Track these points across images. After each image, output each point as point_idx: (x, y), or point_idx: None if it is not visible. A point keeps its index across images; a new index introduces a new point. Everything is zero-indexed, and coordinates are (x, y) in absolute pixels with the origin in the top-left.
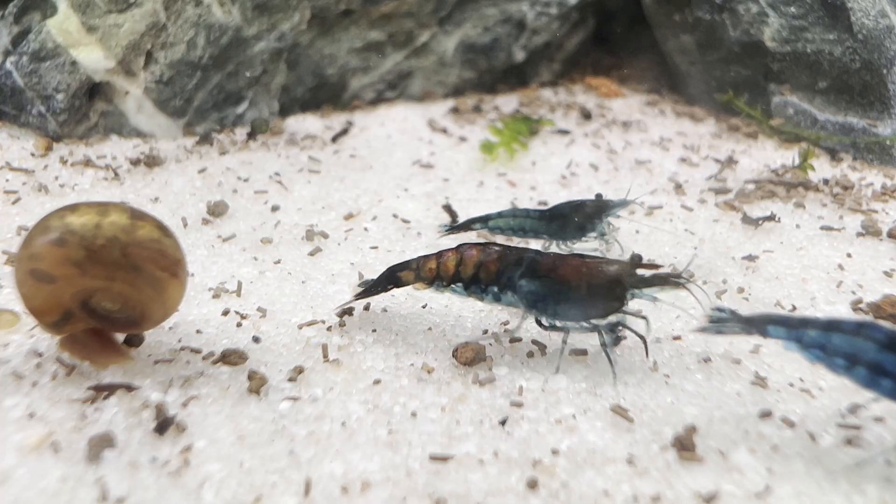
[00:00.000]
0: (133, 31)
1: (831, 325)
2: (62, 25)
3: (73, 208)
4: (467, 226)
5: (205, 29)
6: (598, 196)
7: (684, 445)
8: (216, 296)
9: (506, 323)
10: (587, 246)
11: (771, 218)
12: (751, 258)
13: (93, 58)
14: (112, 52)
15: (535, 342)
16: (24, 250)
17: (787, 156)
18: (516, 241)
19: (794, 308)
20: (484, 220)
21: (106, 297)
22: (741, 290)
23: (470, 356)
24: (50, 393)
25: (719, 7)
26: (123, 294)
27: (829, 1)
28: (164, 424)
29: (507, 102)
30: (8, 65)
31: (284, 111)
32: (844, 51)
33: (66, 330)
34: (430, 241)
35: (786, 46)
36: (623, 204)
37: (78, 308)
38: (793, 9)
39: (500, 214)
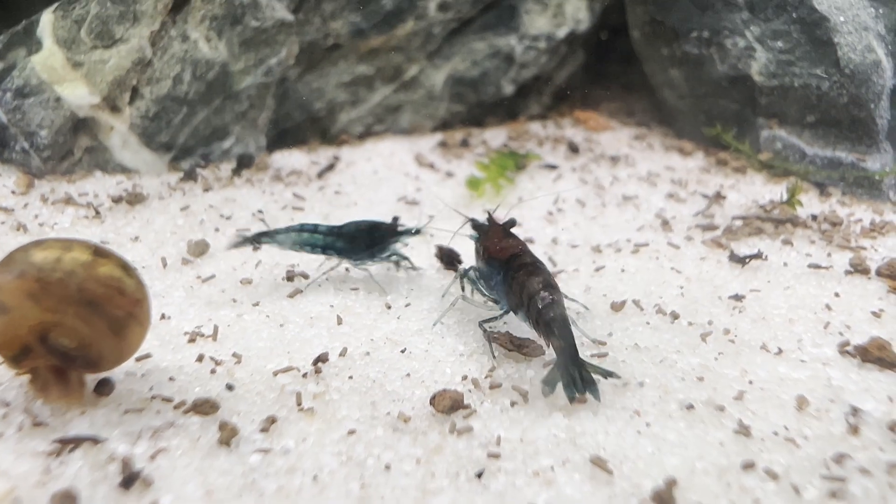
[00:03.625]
0: (119, 67)
1: None
2: (47, 62)
3: (39, 243)
4: (256, 239)
5: (191, 64)
6: (395, 219)
7: (663, 499)
8: (192, 340)
9: (492, 369)
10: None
11: (758, 256)
12: (737, 297)
13: (77, 94)
14: (97, 87)
15: (515, 388)
16: None
17: (776, 190)
18: (307, 258)
19: (780, 351)
20: (272, 235)
21: (63, 333)
22: (727, 331)
23: (448, 404)
24: (15, 445)
25: (707, 41)
26: (78, 330)
27: (815, 36)
28: (129, 479)
29: (496, 136)
30: None
31: (272, 146)
32: (832, 85)
33: (26, 365)
34: (410, 280)
35: (773, 81)
36: (415, 231)
37: (36, 343)
38: (780, 43)
39: (288, 229)
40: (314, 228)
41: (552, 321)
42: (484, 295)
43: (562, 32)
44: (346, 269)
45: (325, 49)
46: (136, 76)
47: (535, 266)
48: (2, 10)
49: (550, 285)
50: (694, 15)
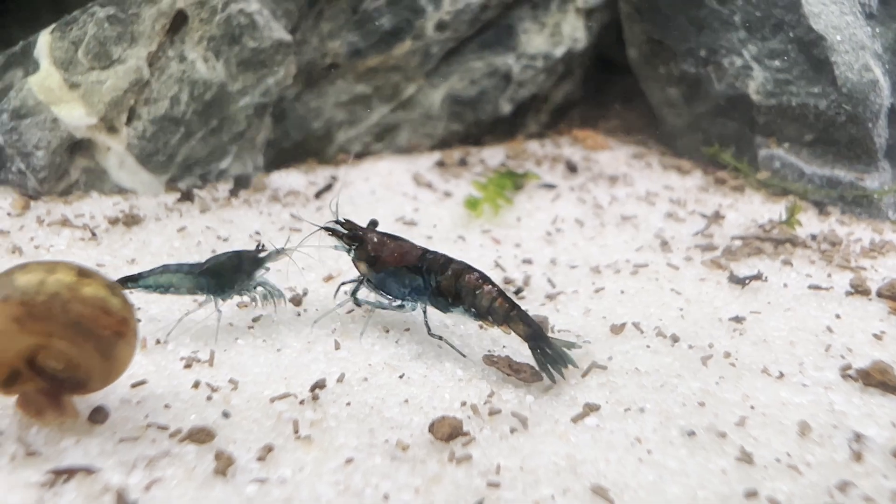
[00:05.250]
0: (116, 88)
1: None
2: (44, 83)
3: (23, 267)
4: (121, 284)
5: (189, 85)
6: (258, 245)
7: None
8: (188, 365)
9: (491, 395)
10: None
11: (758, 277)
12: (738, 319)
13: (74, 115)
14: (94, 108)
15: (514, 414)
16: None
17: (775, 210)
18: (171, 300)
19: (782, 375)
20: (136, 279)
21: (50, 355)
22: (728, 354)
23: (447, 431)
24: (7, 476)
25: (704, 60)
26: (65, 352)
27: (813, 55)
28: None
29: (494, 155)
30: None
31: (269, 165)
32: (829, 104)
33: (16, 390)
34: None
35: (771, 100)
36: (276, 254)
37: (24, 367)
38: (777, 62)
39: (150, 272)
40: (177, 269)
41: (511, 310)
42: (384, 306)
43: (559, 51)
44: (219, 310)
45: (322, 68)
46: (133, 97)
47: (458, 262)
48: (2, 31)
49: (487, 278)
50: (691, 34)
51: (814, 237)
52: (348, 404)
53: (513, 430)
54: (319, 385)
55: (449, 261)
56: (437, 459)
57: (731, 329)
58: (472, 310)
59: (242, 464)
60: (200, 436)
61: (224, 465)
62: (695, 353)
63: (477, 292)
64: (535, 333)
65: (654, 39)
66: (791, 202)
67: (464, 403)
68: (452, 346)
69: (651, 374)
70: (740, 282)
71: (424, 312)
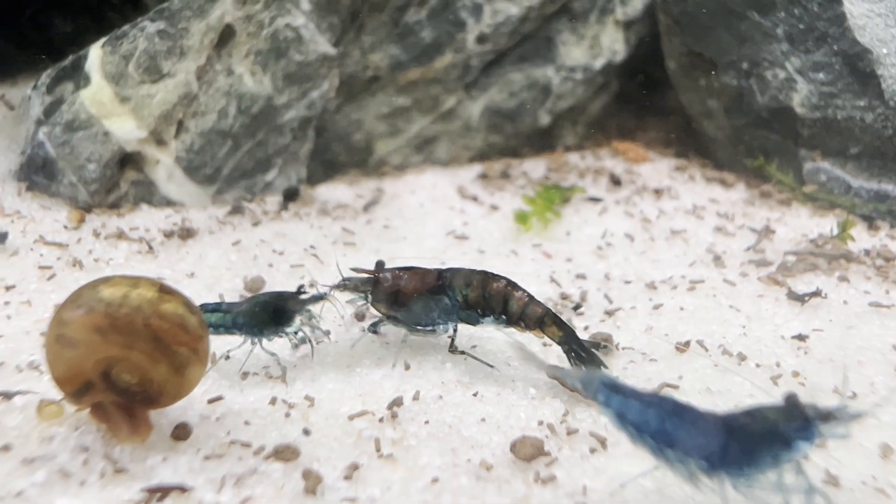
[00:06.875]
0: (165, 102)
1: None
2: (95, 96)
3: (107, 280)
4: None
5: (236, 98)
6: (300, 287)
7: None
8: (262, 382)
9: (566, 414)
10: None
11: (817, 294)
12: (801, 337)
13: (125, 128)
14: (144, 122)
15: (592, 434)
16: (56, 317)
17: (823, 224)
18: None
19: (855, 395)
20: None
21: (126, 368)
22: (796, 373)
23: (529, 452)
24: (98, 493)
25: (746, 73)
26: (141, 366)
27: (858, 68)
28: None
29: (535, 168)
30: (41, 135)
31: (312, 177)
32: (876, 117)
33: (86, 401)
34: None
35: (816, 113)
36: (318, 298)
37: (98, 379)
38: (821, 75)
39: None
40: (216, 307)
41: (546, 315)
42: (418, 331)
43: (598, 63)
44: (254, 345)
45: (364, 81)
46: (182, 110)
47: (480, 272)
48: (47, 45)
49: (515, 283)
50: (732, 46)
51: (867, 252)
52: (427, 422)
53: (593, 451)
54: (397, 403)
55: (471, 272)
56: (522, 480)
57: (796, 347)
58: (503, 317)
59: (330, 482)
60: (286, 454)
61: (313, 483)
62: (763, 373)
63: (507, 299)
64: (567, 336)
65: (693, 52)
66: (842, 217)
67: (541, 423)
68: (478, 359)
69: (723, 393)
70: (799, 298)
71: (454, 331)
